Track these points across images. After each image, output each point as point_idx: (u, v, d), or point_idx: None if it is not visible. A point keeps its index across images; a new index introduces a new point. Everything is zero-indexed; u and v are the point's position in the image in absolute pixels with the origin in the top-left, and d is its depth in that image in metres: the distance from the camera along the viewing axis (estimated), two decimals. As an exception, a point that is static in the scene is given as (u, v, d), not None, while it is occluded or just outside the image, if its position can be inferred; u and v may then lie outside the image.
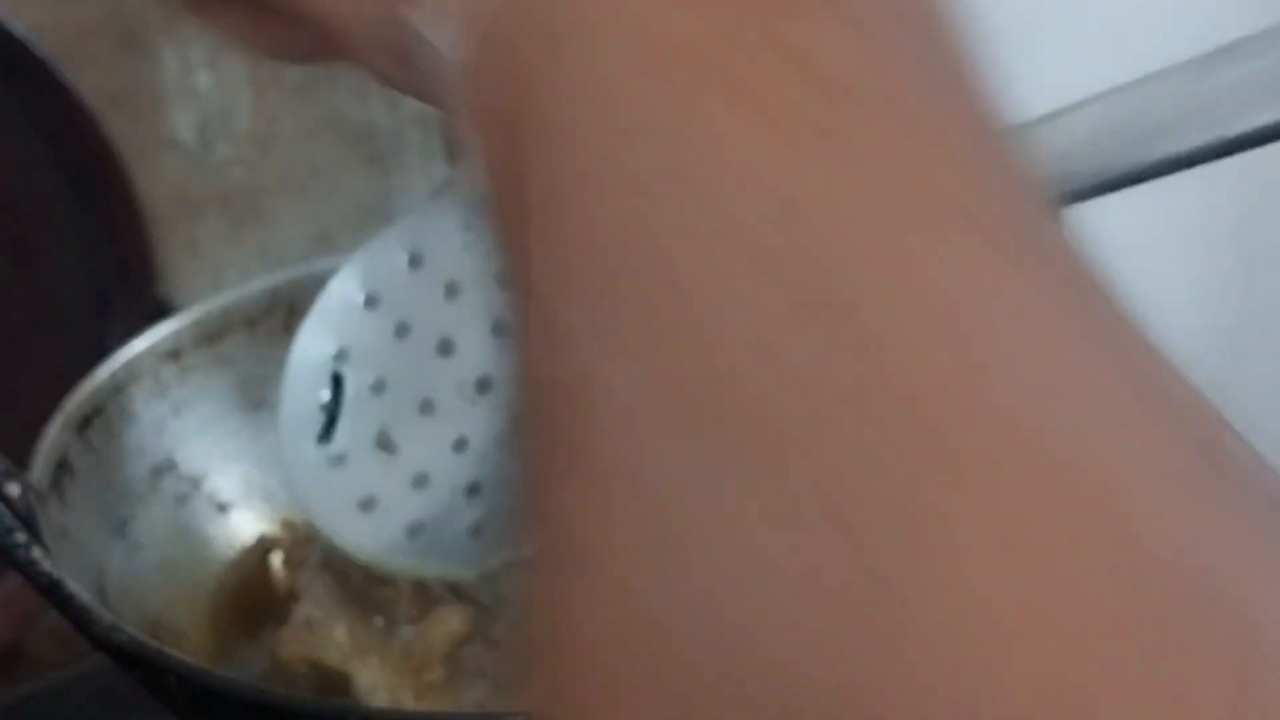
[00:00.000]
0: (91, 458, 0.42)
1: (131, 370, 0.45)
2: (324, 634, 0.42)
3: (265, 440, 0.47)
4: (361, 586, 0.42)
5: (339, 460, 0.38)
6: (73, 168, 0.60)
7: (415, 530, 0.38)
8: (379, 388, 0.38)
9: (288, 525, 0.46)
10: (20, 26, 0.55)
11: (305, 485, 0.38)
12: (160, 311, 0.58)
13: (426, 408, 0.38)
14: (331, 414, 0.39)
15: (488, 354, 0.38)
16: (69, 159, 0.59)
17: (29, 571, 0.35)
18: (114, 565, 0.42)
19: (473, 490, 0.38)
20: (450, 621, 0.42)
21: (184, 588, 0.44)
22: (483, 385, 0.38)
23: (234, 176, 0.66)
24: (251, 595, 0.45)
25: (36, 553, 0.35)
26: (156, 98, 0.63)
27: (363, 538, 0.38)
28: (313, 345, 0.39)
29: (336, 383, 0.38)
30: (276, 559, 0.46)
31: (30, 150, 0.59)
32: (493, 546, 0.38)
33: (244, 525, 0.46)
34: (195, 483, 0.45)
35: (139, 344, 0.45)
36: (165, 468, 0.45)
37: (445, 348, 0.38)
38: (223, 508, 0.46)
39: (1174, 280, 0.91)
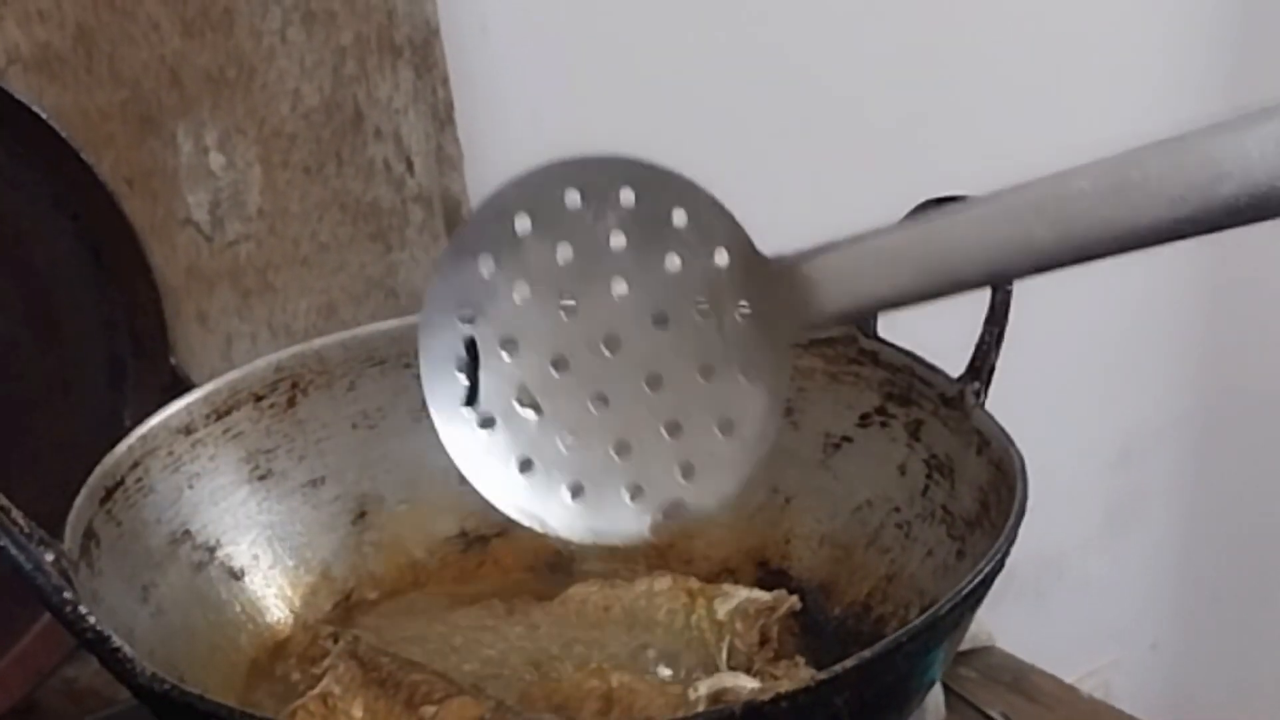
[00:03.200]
0: (114, 528, 0.44)
1: (147, 444, 0.47)
2: (341, 709, 0.43)
3: (275, 509, 0.50)
4: (389, 671, 0.43)
5: (489, 423, 0.39)
6: (92, 243, 0.62)
7: (576, 491, 0.39)
8: (510, 346, 0.39)
9: (308, 604, 0.48)
10: (44, 109, 0.57)
11: (464, 455, 0.39)
12: (174, 381, 0.60)
13: (560, 364, 0.39)
14: (472, 377, 0.39)
15: (612, 312, 0.39)
16: (89, 235, 0.61)
17: (76, 627, 0.37)
18: (140, 628, 0.44)
19: (623, 448, 0.39)
20: (467, 711, 0.42)
21: (204, 648, 0.46)
22: (611, 342, 0.39)
23: (244, 252, 0.68)
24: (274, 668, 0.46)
25: (83, 609, 0.37)
26: (171, 178, 0.66)
27: (531, 504, 0.39)
28: (441, 312, 0.39)
29: (471, 348, 0.40)
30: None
31: (52, 226, 0.61)
32: (655, 507, 0.39)
33: (256, 590, 0.48)
34: (210, 550, 0.48)
35: (154, 419, 0.47)
36: (182, 537, 0.47)
37: (570, 307, 0.39)
38: (236, 574, 0.48)
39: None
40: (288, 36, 0.67)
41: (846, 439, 0.52)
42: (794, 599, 0.49)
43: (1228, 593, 1.24)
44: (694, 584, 0.50)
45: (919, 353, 0.51)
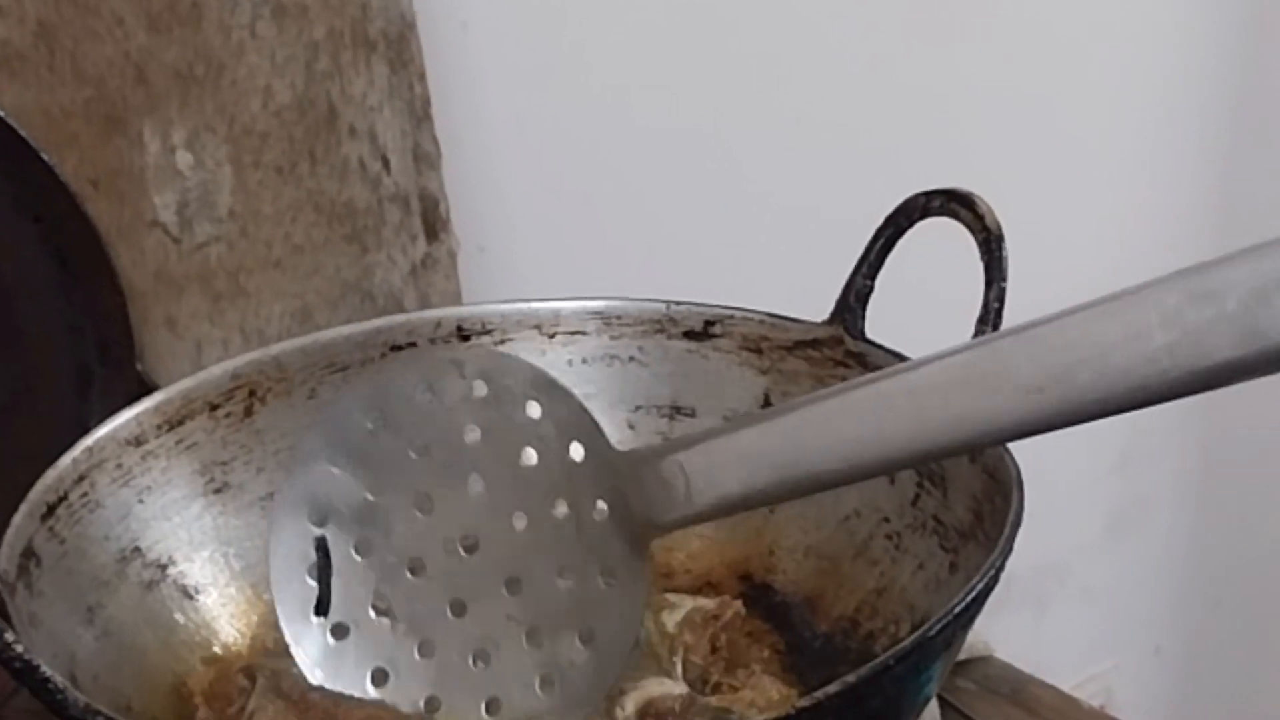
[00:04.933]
0: (57, 545, 0.42)
1: (94, 456, 0.45)
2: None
3: (230, 524, 0.48)
4: (325, 709, 0.41)
5: (340, 632, 0.39)
6: (56, 247, 0.60)
7: (431, 704, 0.38)
8: (364, 549, 0.39)
9: (267, 624, 0.46)
10: (3, 109, 0.56)
11: (314, 663, 0.39)
12: (142, 388, 0.58)
13: (417, 567, 0.39)
14: (324, 582, 0.39)
15: (469, 510, 0.38)
16: (52, 238, 0.60)
17: (3, 655, 0.35)
18: (84, 652, 0.42)
19: (480, 657, 0.38)
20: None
21: (154, 673, 0.44)
22: (468, 542, 0.38)
23: (214, 254, 0.66)
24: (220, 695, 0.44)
25: (9, 636, 0.35)
26: (138, 178, 0.64)
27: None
28: (291, 515, 0.39)
29: (321, 548, 0.39)
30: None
31: (13, 230, 0.60)
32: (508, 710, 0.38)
33: (211, 610, 0.46)
34: (161, 568, 0.46)
35: (101, 430, 0.45)
36: (131, 554, 0.45)
37: (425, 505, 0.39)
38: (190, 593, 0.46)
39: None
40: (258, 31, 0.65)
41: (833, 445, 0.49)
42: (738, 603, 0.47)
43: (1231, 597, 1.23)
44: None
45: (908, 354, 0.48)
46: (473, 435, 0.39)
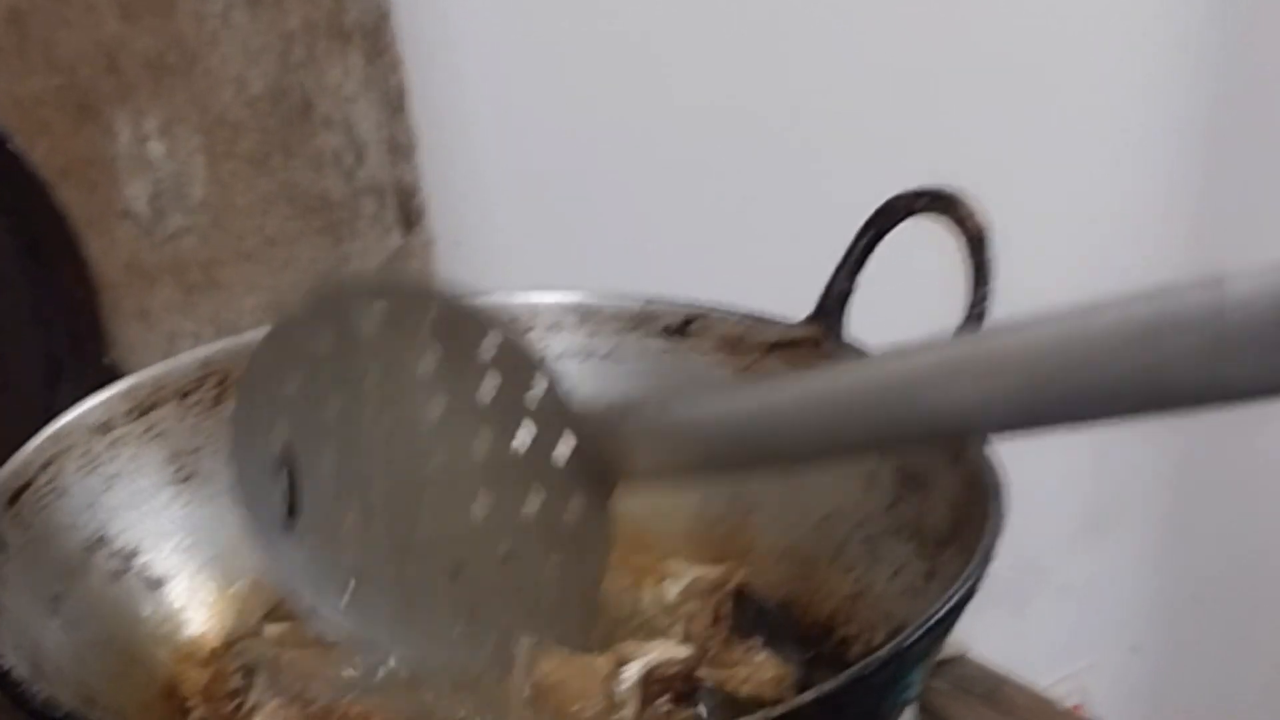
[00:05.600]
0: (22, 533, 0.42)
1: (60, 442, 0.44)
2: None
3: (198, 514, 0.47)
4: (328, 705, 0.41)
5: (311, 543, 0.38)
6: (25, 237, 0.59)
7: (405, 609, 0.38)
8: (332, 461, 0.38)
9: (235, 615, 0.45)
10: (-28, 97, 0.55)
11: (286, 578, 0.38)
12: (111, 380, 0.57)
13: (384, 483, 0.38)
14: (291, 494, 0.38)
15: (430, 437, 0.38)
16: (22, 228, 0.59)
17: None
18: (48, 642, 0.41)
19: (456, 571, 0.37)
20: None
21: (119, 663, 0.44)
22: (435, 464, 0.38)
23: (187, 246, 0.65)
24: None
25: None
26: (109, 167, 0.63)
27: (354, 622, 0.38)
28: (252, 430, 0.39)
29: (287, 461, 0.38)
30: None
31: (-18, 219, 0.59)
32: (485, 632, 0.38)
33: (178, 601, 0.46)
34: (127, 558, 0.45)
35: (68, 415, 0.45)
36: (97, 543, 0.44)
37: (389, 427, 0.38)
38: (156, 583, 0.46)
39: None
40: (231, 20, 0.64)
41: (811, 447, 0.49)
42: (742, 570, 0.47)
43: (1207, 596, 1.23)
44: (639, 560, 0.48)
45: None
46: (429, 363, 0.38)
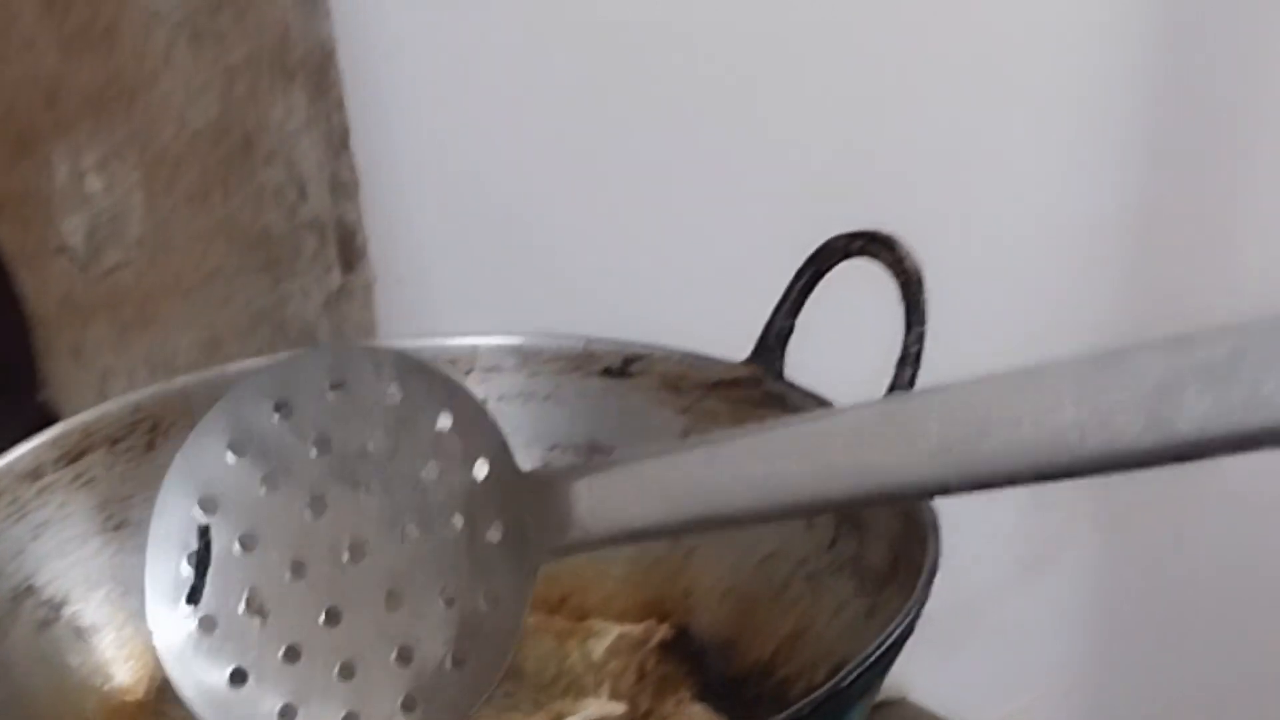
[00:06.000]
0: (-54, 583, 0.41)
1: (-12, 490, 0.44)
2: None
3: (129, 563, 0.46)
4: None
5: (208, 625, 0.37)
6: (-43, 271, 0.59)
7: (286, 713, 0.37)
8: (248, 543, 0.37)
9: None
10: (-94, 130, 0.54)
11: (173, 654, 0.37)
12: (42, 419, 0.57)
13: (298, 570, 0.37)
14: (200, 569, 0.37)
15: (361, 517, 0.37)
16: (-46, 263, 0.58)
17: None
18: (-29, 695, 0.40)
19: (346, 671, 0.37)
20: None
21: (46, 715, 0.43)
22: (356, 550, 0.37)
23: (123, 281, 0.65)
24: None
25: None
26: (45, 203, 0.62)
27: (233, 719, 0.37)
28: (178, 494, 0.37)
29: (204, 536, 0.37)
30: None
31: (-87, 253, 0.58)
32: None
33: (107, 651, 0.45)
34: (56, 608, 0.44)
35: (-6, 463, 0.44)
36: (25, 592, 0.44)
37: (317, 506, 0.37)
38: (86, 633, 0.45)
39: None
40: (173, 57, 0.63)
41: (752, 487, 0.49)
42: (665, 626, 0.47)
43: (1142, 637, 1.24)
44: (560, 624, 0.48)
45: (827, 395, 0.48)
46: (377, 440, 0.37)
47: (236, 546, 0.37)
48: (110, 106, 0.63)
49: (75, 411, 0.49)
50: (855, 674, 0.35)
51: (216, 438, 0.37)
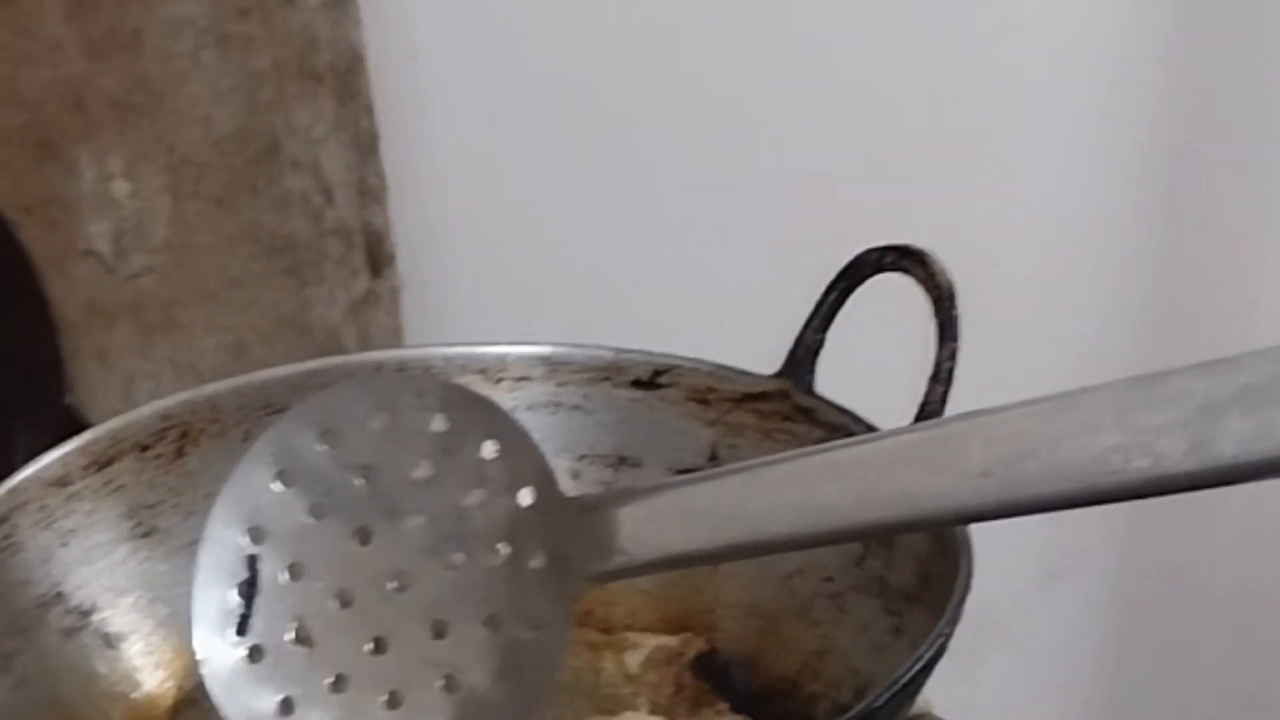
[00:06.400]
0: (-26, 590, 0.41)
1: (16, 497, 0.43)
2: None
3: (157, 570, 0.46)
4: None
5: (256, 654, 0.37)
6: (-15, 274, 0.59)
7: None
8: (296, 572, 0.37)
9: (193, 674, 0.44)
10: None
11: (222, 685, 0.37)
12: (69, 422, 0.57)
13: (344, 599, 0.37)
14: (248, 599, 0.38)
15: (406, 547, 0.37)
16: (-20, 265, 0.59)
17: None
18: (-1, 703, 0.40)
19: (394, 701, 0.37)
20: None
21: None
22: (401, 579, 0.37)
23: (148, 286, 0.65)
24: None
25: None
26: (72, 206, 0.63)
27: None
28: (226, 524, 0.37)
29: (252, 566, 0.38)
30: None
31: (-59, 256, 0.58)
32: None
33: (133, 659, 0.45)
34: (84, 615, 0.44)
35: (24, 471, 0.44)
36: (53, 599, 0.44)
37: (363, 535, 0.37)
38: (113, 641, 0.45)
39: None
40: (200, 60, 0.63)
41: (779, 501, 0.49)
42: (701, 640, 0.47)
43: (1162, 646, 1.24)
44: (594, 636, 0.48)
45: (857, 410, 0.48)
46: (423, 470, 0.37)
47: (284, 576, 0.37)
48: (136, 110, 0.63)
49: (101, 415, 0.49)
50: (887, 696, 0.35)
51: (264, 467, 0.37)
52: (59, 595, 0.44)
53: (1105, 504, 0.29)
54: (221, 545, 0.37)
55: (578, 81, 0.74)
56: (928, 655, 0.36)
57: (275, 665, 0.37)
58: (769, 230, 0.81)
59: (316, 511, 0.37)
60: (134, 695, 0.44)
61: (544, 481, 0.37)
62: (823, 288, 0.48)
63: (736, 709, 0.46)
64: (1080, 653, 1.22)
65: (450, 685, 0.37)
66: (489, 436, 0.37)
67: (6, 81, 0.61)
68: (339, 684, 0.37)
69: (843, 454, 0.33)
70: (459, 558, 0.37)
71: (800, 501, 0.32)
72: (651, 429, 0.50)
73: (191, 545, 0.47)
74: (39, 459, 0.44)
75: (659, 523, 0.35)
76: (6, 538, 0.43)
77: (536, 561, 0.37)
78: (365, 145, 0.68)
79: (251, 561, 0.37)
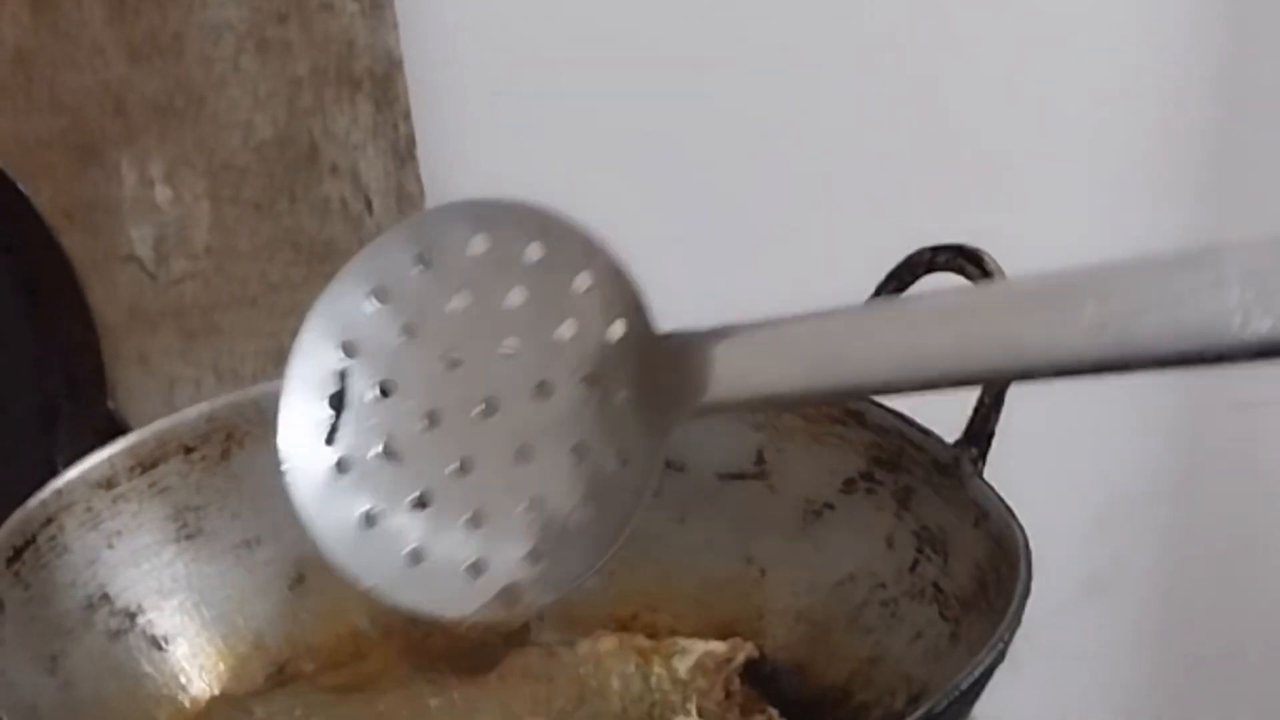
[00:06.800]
0: (21, 591, 0.41)
1: (63, 499, 0.44)
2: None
3: (202, 572, 0.46)
4: None
5: (343, 465, 0.37)
6: (27, 278, 0.59)
7: (415, 557, 0.36)
8: (386, 389, 0.37)
9: (238, 676, 0.45)
10: (-24, 138, 0.55)
11: (305, 490, 0.37)
12: (111, 426, 0.57)
13: (433, 420, 0.37)
14: (337, 412, 0.37)
15: (496, 373, 0.37)
16: (23, 269, 0.59)
17: None
18: (45, 702, 0.40)
19: (476, 520, 0.36)
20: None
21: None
22: (490, 404, 0.37)
23: (189, 291, 0.65)
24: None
25: None
26: (114, 211, 0.63)
27: (362, 559, 0.37)
28: (319, 337, 0.37)
29: (343, 380, 0.37)
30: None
31: (-16, 261, 0.59)
32: (489, 591, 0.36)
33: (179, 661, 0.45)
34: (130, 617, 0.44)
35: (71, 472, 0.44)
36: (99, 601, 0.44)
37: (453, 359, 0.37)
38: (159, 643, 0.45)
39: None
40: (240, 65, 0.63)
41: (828, 506, 0.48)
42: (750, 645, 0.46)
43: (1202, 662, 1.23)
44: (642, 642, 0.47)
45: (906, 412, 0.47)
46: (516, 296, 0.37)
47: (374, 392, 0.37)
48: (177, 115, 0.63)
49: (143, 420, 0.49)
50: (946, 703, 0.34)
51: (358, 284, 0.37)
52: (105, 597, 0.44)
53: (1219, 365, 0.28)
54: (313, 357, 0.37)
55: (618, 88, 0.74)
56: (988, 660, 0.36)
57: (361, 479, 0.37)
58: (820, 229, 0.81)
59: (409, 331, 0.37)
60: (179, 697, 0.44)
61: (637, 315, 0.36)
62: (874, 287, 0.47)
63: (785, 716, 0.46)
64: (1121, 665, 1.21)
65: (533, 510, 0.36)
66: (584, 267, 0.37)
67: (48, 86, 0.61)
68: (422, 501, 0.37)
69: (951, 300, 0.32)
70: (549, 386, 0.37)
71: (903, 346, 0.31)
72: (698, 432, 0.50)
73: (237, 547, 0.47)
74: (85, 460, 0.44)
75: (755, 361, 0.34)
76: (53, 539, 0.43)
77: (628, 395, 0.36)
78: (403, 151, 0.67)
79: (342, 376, 0.37)
